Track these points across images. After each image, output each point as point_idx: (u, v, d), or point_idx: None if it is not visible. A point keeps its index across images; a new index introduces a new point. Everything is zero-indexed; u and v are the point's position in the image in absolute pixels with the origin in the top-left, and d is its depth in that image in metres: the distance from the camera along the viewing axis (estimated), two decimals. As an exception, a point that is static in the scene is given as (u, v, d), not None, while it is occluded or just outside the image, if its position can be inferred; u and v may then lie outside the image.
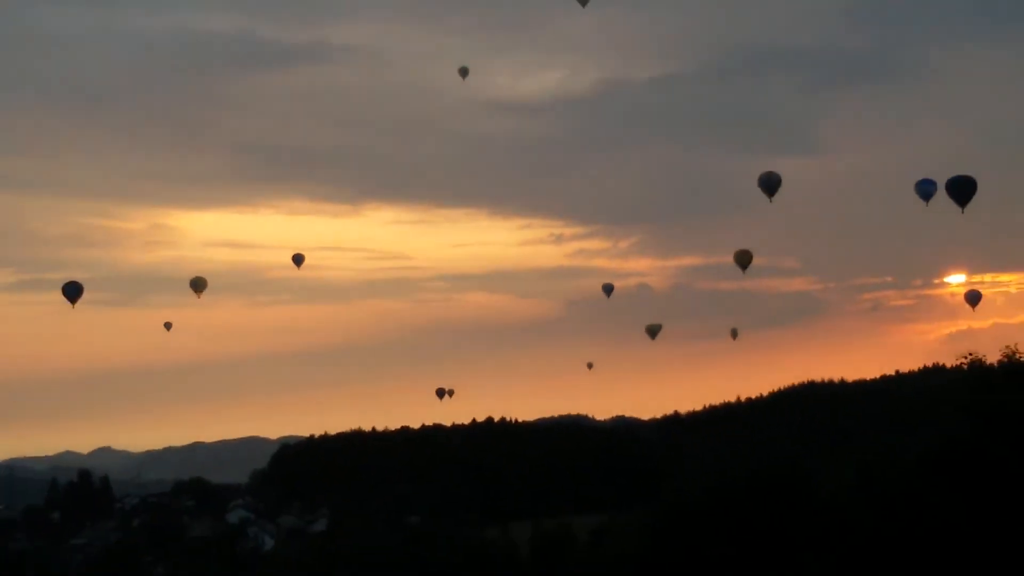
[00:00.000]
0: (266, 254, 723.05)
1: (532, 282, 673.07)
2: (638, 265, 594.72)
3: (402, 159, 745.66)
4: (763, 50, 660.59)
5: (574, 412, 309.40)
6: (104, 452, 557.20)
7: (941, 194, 79.33)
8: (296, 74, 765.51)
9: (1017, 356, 47.00)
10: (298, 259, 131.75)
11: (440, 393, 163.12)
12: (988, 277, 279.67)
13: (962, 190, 78.29)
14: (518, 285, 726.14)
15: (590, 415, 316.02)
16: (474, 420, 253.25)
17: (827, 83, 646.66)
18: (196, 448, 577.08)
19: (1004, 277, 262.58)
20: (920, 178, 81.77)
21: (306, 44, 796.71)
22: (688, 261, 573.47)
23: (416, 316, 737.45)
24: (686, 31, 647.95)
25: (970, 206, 78.38)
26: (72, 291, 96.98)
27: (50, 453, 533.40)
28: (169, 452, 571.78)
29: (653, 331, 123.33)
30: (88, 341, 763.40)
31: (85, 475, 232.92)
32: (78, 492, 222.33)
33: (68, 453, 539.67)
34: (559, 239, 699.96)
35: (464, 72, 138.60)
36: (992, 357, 48.05)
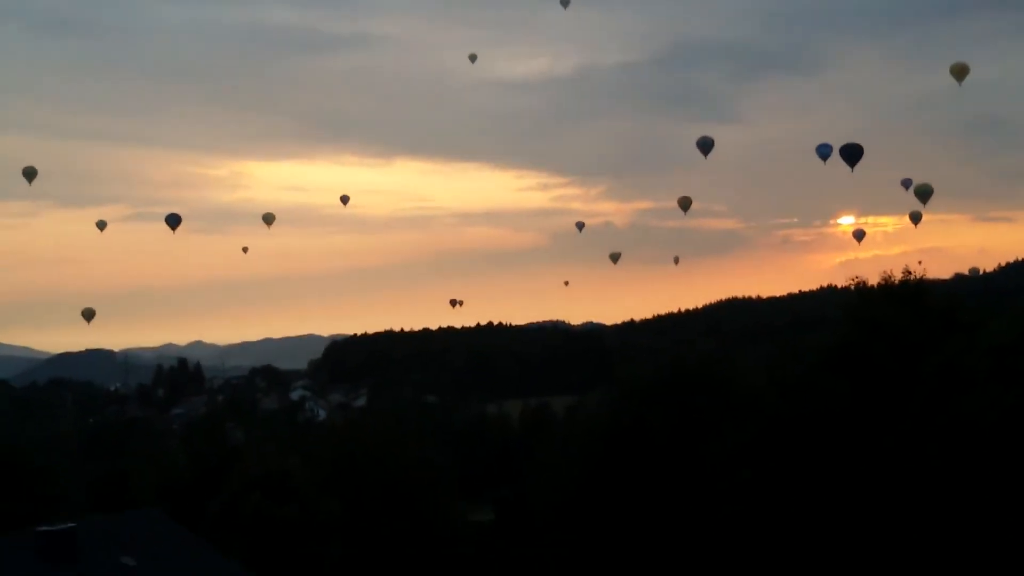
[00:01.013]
0: (320, 195, 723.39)
1: (524, 219, 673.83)
2: (604, 207, 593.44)
3: (425, 124, 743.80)
4: (700, 44, 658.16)
5: (554, 318, 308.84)
6: (197, 344, 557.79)
7: (836, 156, 78.42)
8: (343, 58, 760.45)
9: (891, 280, 46.74)
10: (344, 199, 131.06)
11: (453, 303, 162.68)
12: (871, 219, 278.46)
13: (852, 154, 77.32)
14: (513, 222, 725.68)
15: (567, 320, 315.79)
16: (478, 323, 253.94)
17: (750, 70, 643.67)
18: (267, 342, 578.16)
19: (883, 219, 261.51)
20: (819, 143, 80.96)
21: (351, 35, 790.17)
22: (642, 205, 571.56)
23: (435, 244, 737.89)
24: (643, 29, 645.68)
25: (858, 167, 77.61)
26: (173, 220, 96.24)
27: (156, 345, 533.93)
28: (247, 345, 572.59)
29: (615, 257, 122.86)
30: (185, 261, 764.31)
31: (182, 362, 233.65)
32: (177, 375, 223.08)
33: (170, 345, 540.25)
34: (545, 187, 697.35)
35: (473, 58, 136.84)
36: (872, 280, 47.86)
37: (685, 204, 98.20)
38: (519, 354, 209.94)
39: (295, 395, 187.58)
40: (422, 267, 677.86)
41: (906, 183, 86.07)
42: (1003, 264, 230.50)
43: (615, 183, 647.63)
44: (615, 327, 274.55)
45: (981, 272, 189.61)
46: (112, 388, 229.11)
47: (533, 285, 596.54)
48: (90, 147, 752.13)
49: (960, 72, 77.42)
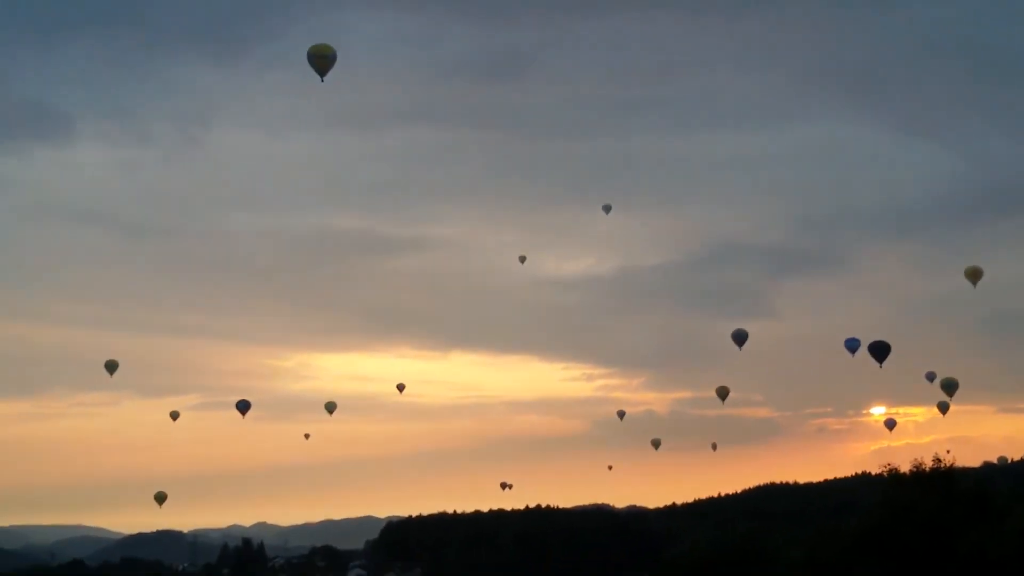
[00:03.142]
0: (381, 385, 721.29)
1: (570, 407, 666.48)
2: (646, 397, 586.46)
3: (478, 319, 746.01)
4: (735, 245, 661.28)
5: (599, 501, 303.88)
6: (261, 525, 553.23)
7: (864, 350, 78.13)
8: (404, 259, 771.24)
9: (922, 467, 46.43)
10: (401, 387, 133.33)
11: (503, 486, 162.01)
12: (901, 409, 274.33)
13: (880, 351, 77.01)
14: (560, 410, 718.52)
15: (611, 504, 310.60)
16: (527, 506, 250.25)
17: (782, 269, 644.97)
18: (327, 523, 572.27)
19: (913, 410, 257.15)
20: (848, 337, 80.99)
21: (411, 238, 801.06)
22: (682, 395, 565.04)
23: (487, 431, 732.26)
24: (679, 232, 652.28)
25: (886, 360, 76.99)
26: (243, 406, 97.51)
27: (223, 525, 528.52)
28: (308, 525, 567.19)
29: (656, 443, 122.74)
30: (252, 447, 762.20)
31: (247, 542, 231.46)
32: (242, 554, 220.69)
33: (236, 525, 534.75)
34: (590, 377, 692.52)
35: (523, 259, 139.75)
36: (904, 467, 47.52)
37: (723, 393, 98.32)
38: (566, 536, 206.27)
39: (352, 574, 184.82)
40: (474, 452, 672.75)
41: (930, 376, 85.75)
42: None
43: (656, 374, 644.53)
44: (657, 510, 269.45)
45: (1009, 461, 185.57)
46: (180, 568, 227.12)
47: (578, 470, 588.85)
48: (167, 341, 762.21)
49: (974, 275, 77.93)
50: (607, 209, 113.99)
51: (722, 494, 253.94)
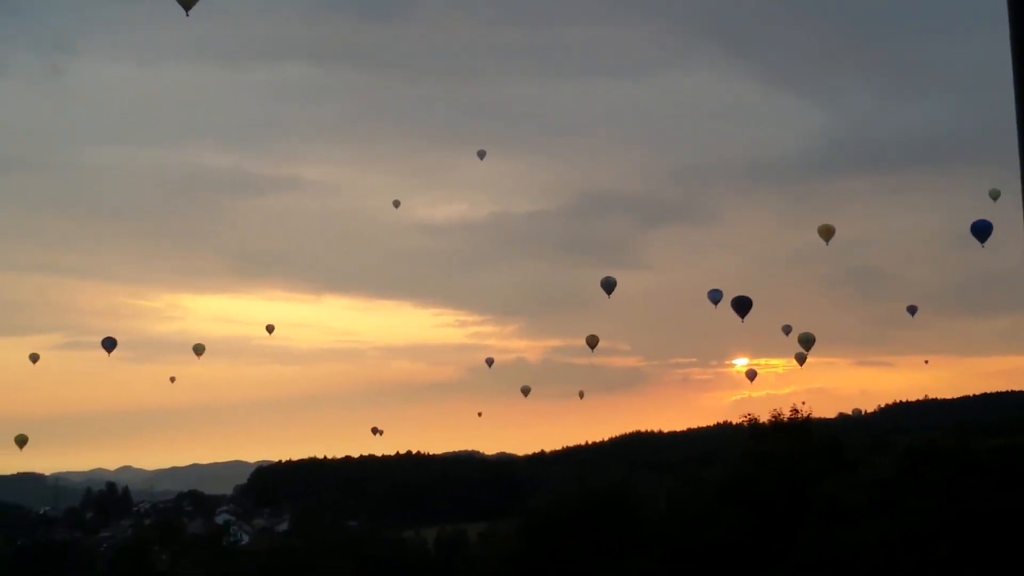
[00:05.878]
0: (251, 328, 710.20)
1: (442, 354, 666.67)
2: (518, 344, 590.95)
3: (352, 264, 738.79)
4: (607, 195, 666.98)
5: (469, 448, 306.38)
6: (126, 469, 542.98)
7: (727, 302, 79.19)
8: (276, 199, 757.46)
9: (781, 417, 47.50)
10: (270, 328, 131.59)
11: (374, 431, 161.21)
12: (762, 360, 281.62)
13: (742, 306, 78.07)
14: (431, 356, 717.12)
15: (480, 451, 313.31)
16: (397, 452, 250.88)
17: (651, 220, 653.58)
18: (194, 467, 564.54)
19: (774, 361, 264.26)
20: (711, 288, 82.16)
21: (283, 177, 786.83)
22: (553, 343, 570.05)
23: (359, 376, 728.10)
24: (553, 180, 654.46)
25: (748, 316, 77.92)
26: (109, 344, 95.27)
27: (86, 469, 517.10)
28: (174, 470, 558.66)
29: (526, 391, 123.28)
30: (116, 388, 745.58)
31: (111, 486, 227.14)
32: (106, 498, 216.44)
33: (99, 469, 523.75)
34: (463, 324, 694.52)
35: (397, 204, 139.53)
36: (764, 417, 48.60)
37: (592, 342, 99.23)
38: (435, 482, 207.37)
39: (220, 519, 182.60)
40: (345, 398, 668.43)
41: (786, 329, 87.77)
42: (882, 406, 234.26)
43: (527, 321, 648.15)
44: (526, 457, 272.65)
45: (863, 413, 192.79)
46: (41, 512, 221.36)
47: (449, 416, 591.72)
48: (30, 279, 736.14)
49: (826, 232, 79.79)
50: (481, 155, 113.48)
51: (589, 442, 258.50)
